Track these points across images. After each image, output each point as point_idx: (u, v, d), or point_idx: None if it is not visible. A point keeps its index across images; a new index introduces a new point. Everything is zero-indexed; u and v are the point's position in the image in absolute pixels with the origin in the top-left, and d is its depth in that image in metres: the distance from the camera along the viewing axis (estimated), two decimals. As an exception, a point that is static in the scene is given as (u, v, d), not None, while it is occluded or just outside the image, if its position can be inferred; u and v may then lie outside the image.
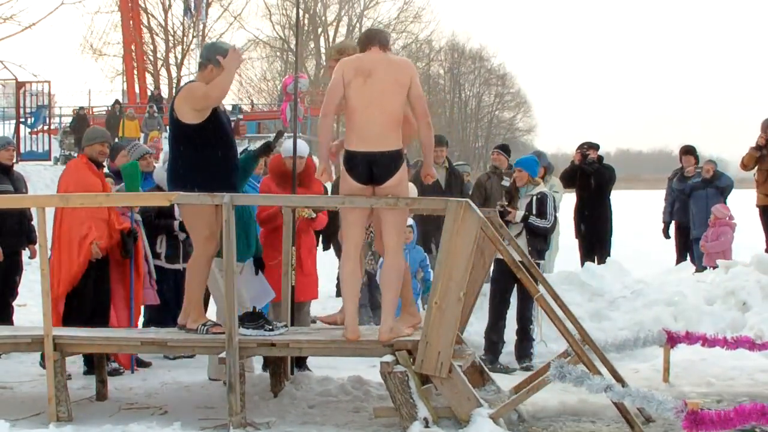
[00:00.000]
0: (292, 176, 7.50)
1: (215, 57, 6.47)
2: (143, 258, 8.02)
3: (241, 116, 34.71)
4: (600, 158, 11.86)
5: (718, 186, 11.91)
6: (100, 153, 7.82)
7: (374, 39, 6.29)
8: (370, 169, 6.12)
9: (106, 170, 8.22)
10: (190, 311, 6.51)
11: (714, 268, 10.58)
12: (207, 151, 6.39)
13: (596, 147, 11.85)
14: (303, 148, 7.71)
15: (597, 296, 9.43)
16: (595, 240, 11.65)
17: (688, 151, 12.53)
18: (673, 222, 12.66)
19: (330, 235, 10.69)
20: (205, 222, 6.42)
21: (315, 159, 7.79)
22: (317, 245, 10.27)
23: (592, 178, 11.60)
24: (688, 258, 12.38)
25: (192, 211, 6.41)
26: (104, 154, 7.93)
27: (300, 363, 7.65)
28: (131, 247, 7.75)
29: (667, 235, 12.72)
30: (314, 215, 7.77)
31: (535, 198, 8.50)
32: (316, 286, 8.10)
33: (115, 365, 7.72)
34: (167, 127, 6.69)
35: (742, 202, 13.13)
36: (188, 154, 6.39)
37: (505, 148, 11.35)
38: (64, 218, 7.44)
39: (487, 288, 9.21)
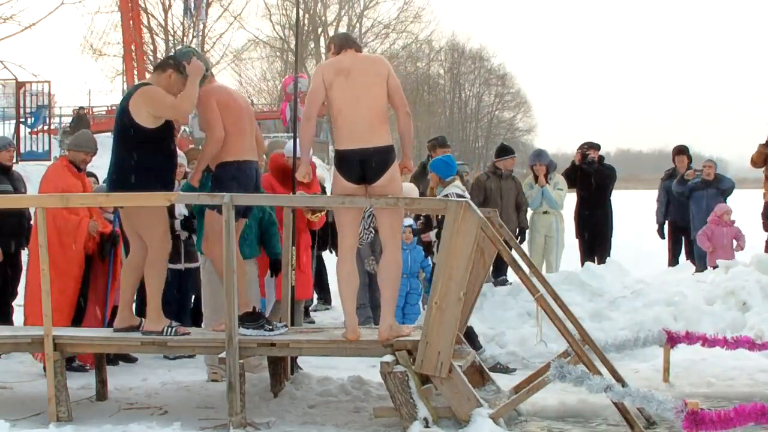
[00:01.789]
0: (292, 176, 7.52)
1: (181, 63, 6.50)
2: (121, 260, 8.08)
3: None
4: (601, 158, 11.84)
5: (719, 188, 11.87)
6: (82, 161, 7.95)
7: (351, 42, 6.37)
8: (362, 167, 6.12)
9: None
10: (149, 313, 6.52)
11: (714, 268, 10.57)
12: (156, 154, 6.39)
13: (597, 147, 11.83)
14: None
15: (597, 296, 9.42)
16: (595, 240, 11.64)
17: (681, 151, 12.49)
18: (666, 222, 12.60)
19: (333, 237, 10.71)
20: (160, 221, 6.49)
21: (315, 159, 7.85)
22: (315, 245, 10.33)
23: (592, 177, 11.60)
24: (681, 259, 12.36)
25: (147, 211, 6.40)
26: (86, 163, 8.02)
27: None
28: (108, 250, 7.84)
29: (662, 236, 12.69)
30: (322, 213, 7.91)
31: None
32: (311, 286, 8.17)
33: (80, 363, 7.82)
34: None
35: (742, 202, 13.12)
36: (137, 156, 6.34)
37: (510, 151, 11.32)
38: (50, 226, 7.43)
39: (486, 288, 9.23)
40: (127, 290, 6.69)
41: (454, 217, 5.88)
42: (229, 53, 43.06)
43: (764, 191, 11.19)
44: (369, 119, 6.11)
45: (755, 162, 11.18)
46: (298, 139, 6.93)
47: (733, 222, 11.49)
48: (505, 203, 10.64)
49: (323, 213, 8.27)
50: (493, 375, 7.06)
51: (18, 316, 8.87)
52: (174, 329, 6.45)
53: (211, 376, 7.44)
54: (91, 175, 8.58)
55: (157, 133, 6.38)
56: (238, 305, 6.11)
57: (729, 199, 12.08)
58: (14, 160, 9.35)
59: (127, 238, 6.80)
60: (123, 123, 6.39)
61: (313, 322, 10.04)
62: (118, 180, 6.42)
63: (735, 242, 11.45)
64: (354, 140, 6.11)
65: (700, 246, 11.56)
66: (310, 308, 10.46)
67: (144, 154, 6.34)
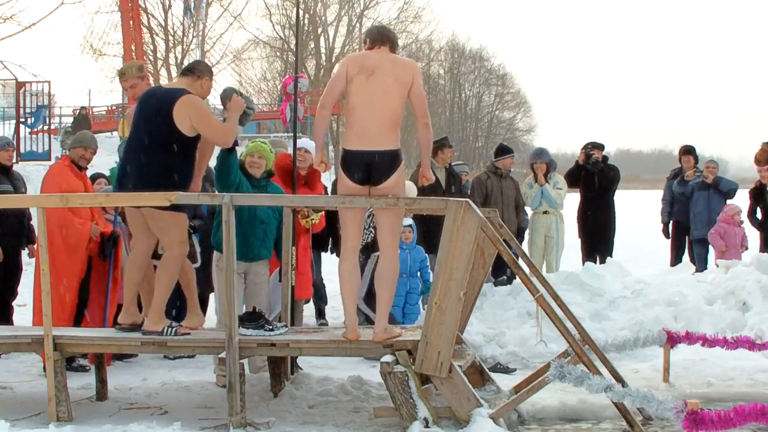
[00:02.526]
0: (293, 176, 7.55)
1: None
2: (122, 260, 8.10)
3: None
4: (605, 158, 11.84)
5: (720, 190, 11.86)
6: (81, 157, 7.96)
7: (385, 39, 6.29)
8: (367, 169, 6.10)
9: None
10: (151, 314, 6.51)
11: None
12: (184, 159, 6.42)
13: (601, 147, 11.82)
14: (310, 144, 7.80)
15: (597, 296, 9.43)
16: (597, 240, 11.64)
17: (688, 151, 12.48)
18: (671, 222, 12.62)
19: (334, 238, 10.69)
20: (182, 226, 6.49)
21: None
22: (326, 247, 10.31)
23: (595, 177, 11.60)
24: (684, 259, 12.37)
25: (169, 214, 6.38)
26: (85, 159, 8.01)
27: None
28: (109, 251, 7.85)
29: (667, 235, 12.70)
30: (317, 220, 7.85)
31: None
32: (310, 286, 8.17)
33: (82, 362, 7.83)
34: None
35: (741, 203, 13.13)
36: (169, 161, 6.35)
37: (509, 150, 11.32)
38: (53, 226, 7.45)
39: (486, 288, 9.23)
40: (130, 287, 6.68)
41: (454, 217, 5.87)
42: (229, 53, 43.02)
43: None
44: (380, 122, 6.07)
45: (758, 160, 11.18)
46: (311, 128, 6.95)
47: (742, 222, 11.50)
48: (505, 203, 10.66)
49: (320, 217, 8.25)
50: (493, 375, 7.07)
51: (18, 316, 8.88)
52: (174, 329, 6.44)
53: (221, 380, 7.30)
54: (101, 175, 8.58)
55: (192, 140, 6.41)
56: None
57: (729, 200, 12.08)
58: (14, 160, 9.35)
59: (132, 235, 6.79)
60: (161, 126, 6.32)
61: (326, 324, 9.99)
62: (146, 181, 6.33)
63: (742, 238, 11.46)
64: (362, 142, 6.09)
65: (712, 245, 11.55)
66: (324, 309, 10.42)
67: (176, 159, 6.36)
